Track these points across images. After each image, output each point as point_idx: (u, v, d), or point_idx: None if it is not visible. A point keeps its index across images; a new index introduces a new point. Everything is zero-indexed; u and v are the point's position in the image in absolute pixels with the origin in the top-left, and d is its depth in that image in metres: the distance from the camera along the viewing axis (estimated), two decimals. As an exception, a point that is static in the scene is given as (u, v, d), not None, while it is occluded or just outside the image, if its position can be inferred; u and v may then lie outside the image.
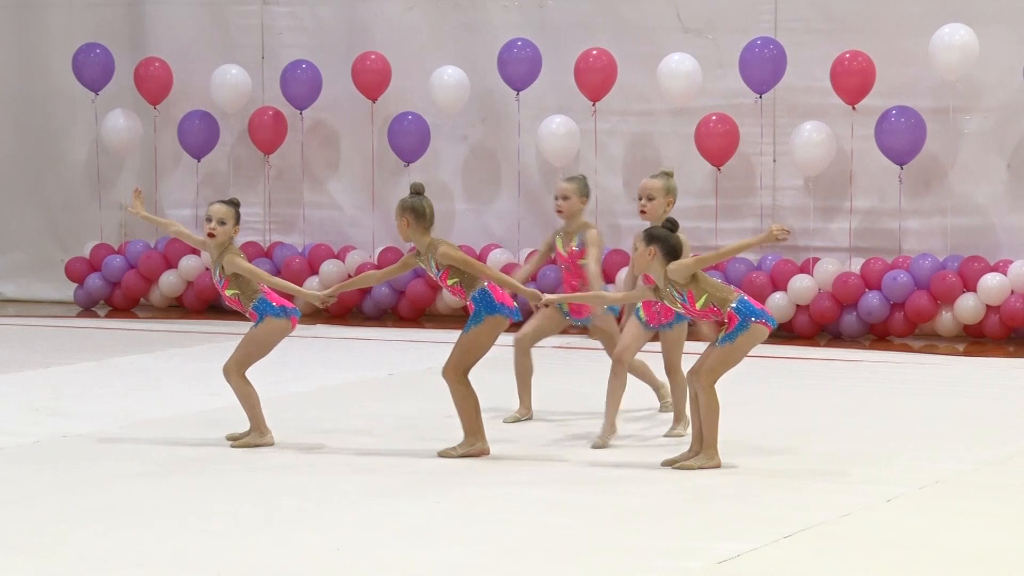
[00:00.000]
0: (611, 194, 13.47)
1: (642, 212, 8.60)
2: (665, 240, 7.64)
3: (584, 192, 9.03)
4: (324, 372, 10.91)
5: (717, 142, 12.73)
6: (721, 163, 12.84)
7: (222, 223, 8.22)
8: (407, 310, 13.58)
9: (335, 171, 14.33)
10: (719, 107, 12.87)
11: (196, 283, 14.09)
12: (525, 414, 9.02)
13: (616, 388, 8.35)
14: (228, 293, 8.26)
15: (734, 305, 7.61)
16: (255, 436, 8.27)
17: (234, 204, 8.36)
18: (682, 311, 7.71)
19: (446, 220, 13.65)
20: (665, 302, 7.74)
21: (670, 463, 7.73)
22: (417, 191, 8.12)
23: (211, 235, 8.23)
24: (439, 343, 11.41)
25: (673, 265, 7.61)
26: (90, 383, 10.35)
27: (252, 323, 8.26)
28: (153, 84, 14.31)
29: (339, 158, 14.24)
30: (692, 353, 8.14)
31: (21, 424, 8.87)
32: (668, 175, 8.56)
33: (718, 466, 7.68)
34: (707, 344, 7.80)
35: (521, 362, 9.06)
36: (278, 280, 8.34)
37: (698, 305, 7.61)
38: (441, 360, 8.05)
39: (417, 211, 8.02)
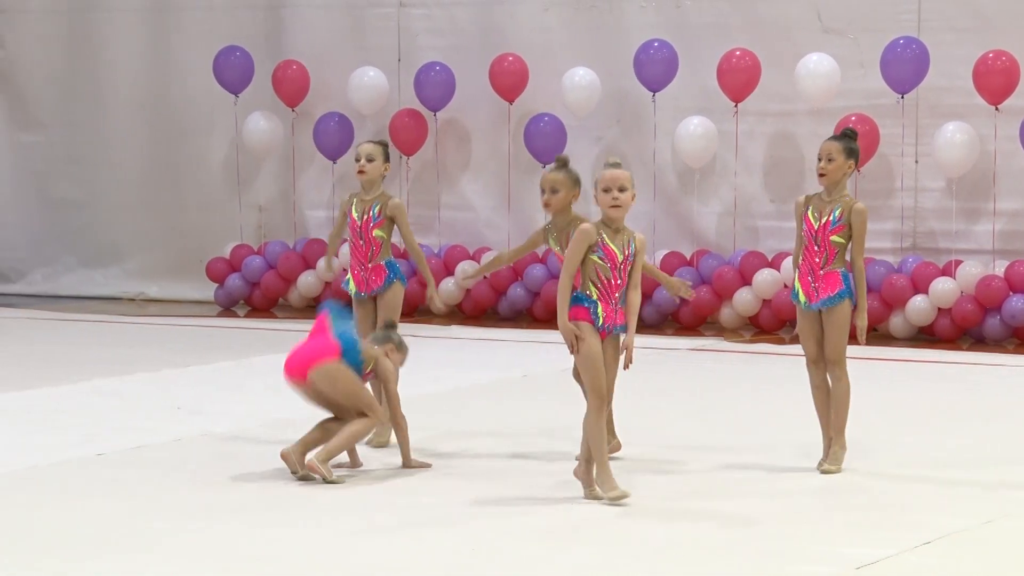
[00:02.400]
0: (749, 195, 13.36)
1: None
2: (858, 158, 7.69)
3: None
4: (459, 373, 10.96)
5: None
6: (860, 164, 12.67)
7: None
8: (542, 311, 13.59)
9: (470, 173, 14.39)
10: (859, 107, 12.73)
11: (334, 283, 14.13)
12: None
13: None
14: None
15: (844, 271, 7.58)
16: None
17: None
18: (824, 222, 7.55)
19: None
20: (809, 214, 7.59)
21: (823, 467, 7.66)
22: (566, 162, 7.93)
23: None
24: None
25: (861, 206, 7.57)
26: (229, 382, 10.48)
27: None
28: (291, 86, 14.47)
29: (473, 160, 14.30)
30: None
31: (162, 422, 9.02)
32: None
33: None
34: (802, 327, 7.66)
35: None
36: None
37: (833, 238, 7.54)
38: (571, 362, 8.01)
39: (579, 186, 7.79)
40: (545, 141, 13.60)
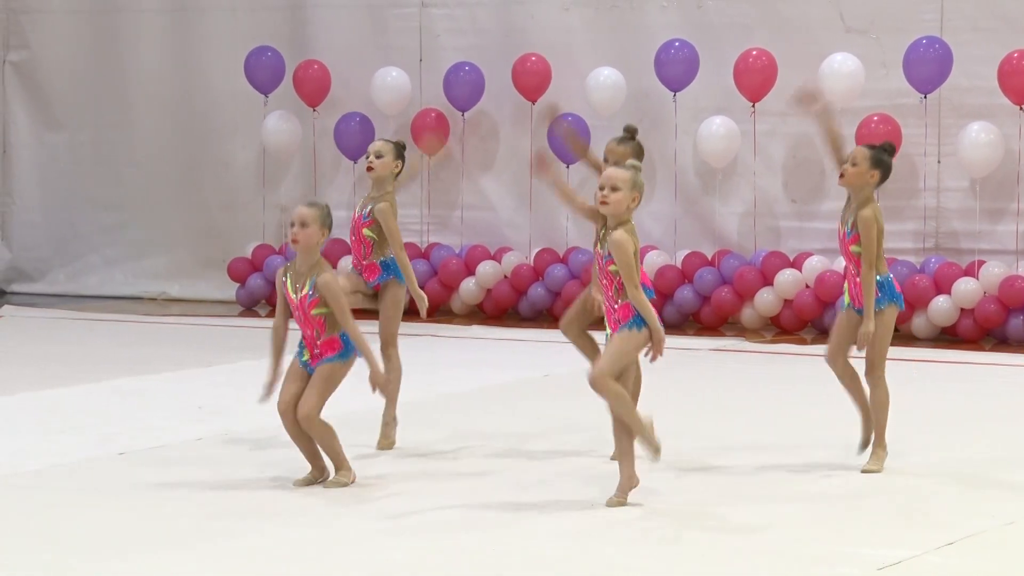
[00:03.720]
0: (769, 195, 13.34)
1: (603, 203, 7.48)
2: (887, 171, 7.53)
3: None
4: (479, 373, 10.96)
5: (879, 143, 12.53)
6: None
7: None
8: (563, 311, 13.46)
9: (493, 172, 14.34)
10: (882, 107, 12.68)
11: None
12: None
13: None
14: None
15: (879, 278, 7.49)
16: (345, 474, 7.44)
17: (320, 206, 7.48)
18: (841, 233, 7.50)
19: (602, 221, 13.63)
20: (840, 222, 7.55)
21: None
22: (635, 133, 7.83)
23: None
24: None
25: (867, 211, 7.41)
26: (251, 381, 10.14)
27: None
28: (312, 87, 14.46)
29: (496, 160, 14.29)
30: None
31: (184, 422, 9.02)
32: (637, 168, 7.02)
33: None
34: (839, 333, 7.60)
35: None
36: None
37: (852, 248, 7.47)
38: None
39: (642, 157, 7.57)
40: (568, 141, 13.59)
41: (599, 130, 13.57)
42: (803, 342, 12.36)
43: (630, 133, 7.93)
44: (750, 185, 13.29)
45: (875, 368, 7.61)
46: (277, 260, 14.52)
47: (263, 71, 14.61)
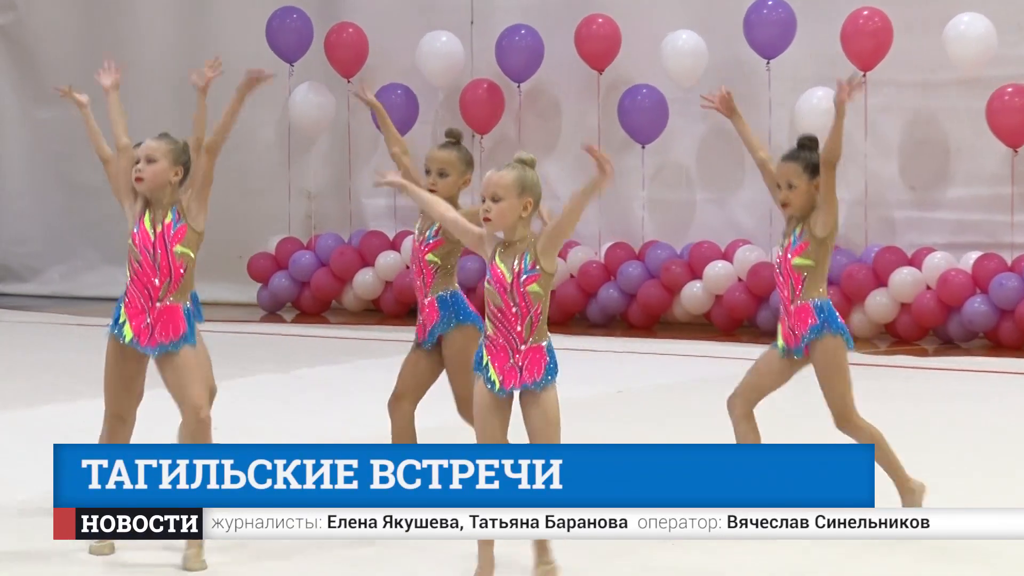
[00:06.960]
0: (883, 181, 13.04)
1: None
2: (818, 169, 6.77)
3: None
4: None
5: (1014, 118, 12.26)
6: (1019, 144, 12.35)
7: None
8: (638, 317, 13.37)
9: (555, 152, 14.11)
10: (1016, 77, 12.39)
11: (395, 284, 14.05)
12: None
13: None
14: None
15: (816, 301, 6.70)
16: None
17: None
18: (779, 253, 6.77)
19: (684, 211, 13.57)
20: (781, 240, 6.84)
21: None
22: (460, 138, 7.19)
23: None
24: (675, 356, 11.56)
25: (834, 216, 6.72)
26: (274, 397, 10.35)
27: None
28: (346, 53, 14.32)
29: (559, 137, 14.11)
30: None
31: (195, 443, 8.79)
32: (526, 163, 6.29)
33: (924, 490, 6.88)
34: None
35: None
36: None
37: (795, 261, 6.71)
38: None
39: (471, 169, 7.08)
40: (643, 116, 13.43)
41: (677, 104, 13.51)
42: (924, 353, 12.13)
43: (454, 138, 7.23)
44: (860, 169, 12.95)
45: (845, 417, 6.78)
46: (305, 257, 14.50)
47: (288, 35, 14.46)
